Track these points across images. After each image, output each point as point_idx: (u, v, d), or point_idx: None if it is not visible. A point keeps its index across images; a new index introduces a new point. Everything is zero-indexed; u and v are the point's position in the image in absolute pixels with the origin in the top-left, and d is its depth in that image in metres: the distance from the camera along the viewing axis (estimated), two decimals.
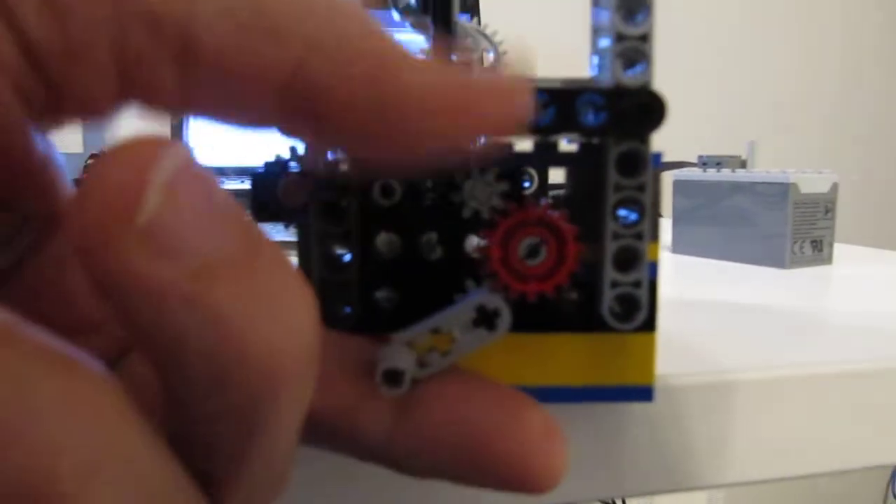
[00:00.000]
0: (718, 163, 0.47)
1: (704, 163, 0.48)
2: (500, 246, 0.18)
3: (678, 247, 0.49)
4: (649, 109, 0.17)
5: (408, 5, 0.25)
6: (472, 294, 0.17)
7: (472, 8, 1.01)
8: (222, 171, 0.91)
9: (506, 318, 0.17)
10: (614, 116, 0.17)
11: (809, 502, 1.38)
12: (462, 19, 0.27)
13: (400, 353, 0.17)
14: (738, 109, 1.35)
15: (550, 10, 1.21)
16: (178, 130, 0.92)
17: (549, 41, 1.19)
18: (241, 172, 0.91)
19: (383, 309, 0.19)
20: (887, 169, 1.46)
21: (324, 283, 0.19)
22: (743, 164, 0.47)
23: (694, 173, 0.48)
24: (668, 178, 0.51)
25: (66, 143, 0.86)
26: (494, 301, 0.17)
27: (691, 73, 1.31)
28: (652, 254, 0.18)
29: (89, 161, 0.60)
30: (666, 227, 0.50)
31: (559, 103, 0.17)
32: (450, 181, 0.18)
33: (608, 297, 0.18)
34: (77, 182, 0.12)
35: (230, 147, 0.93)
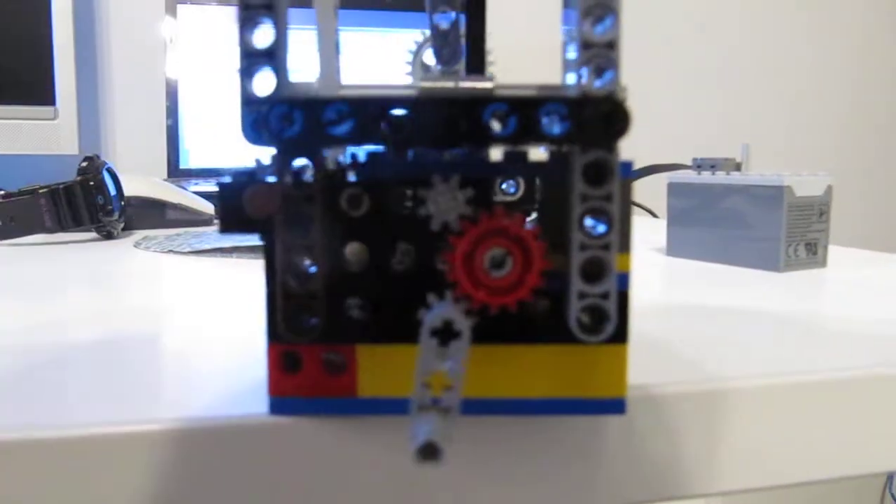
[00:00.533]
0: (713, 165, 0.47)
1: (699, 165, 0.48)
2: (465, 255, 0.17)
3: (673, 249, 0.48)
4: (613, 118, 0.17)
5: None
6: (427, 317, 0.17)
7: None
8: (217, 173, 0.91)
9: (461, 322, 0.17)
10: (578, 126, 0.17)
11: None
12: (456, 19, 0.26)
13: (420, 423, 0.16)
14: (732, 112, 1.34)
15: (547, 12, 1.20)
16: (173, 133, 0.92)
17: (545, 42, 1.18)
18: None
19: (352, 320, 0.19)
20: (882, 171, 1.45)
21: (289, 295, 0.18)
22: (737, 167, 0.47)
23: (689, 175, 0.48)
24: (663, 181, 0.50)
25: (62, 144, 0.86)
26: (442, 315, 0.17)
27: (686, 76, 1.31)
28: (622, 265, 0.18)
29: (84, 164, 0.60)
30: (661, 229, 0.50)
31: (521, 113, 0.17)
32: (415, 192, 0.18)
33: (575, 309, 0.18)
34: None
35: (224, 149, 0.93)
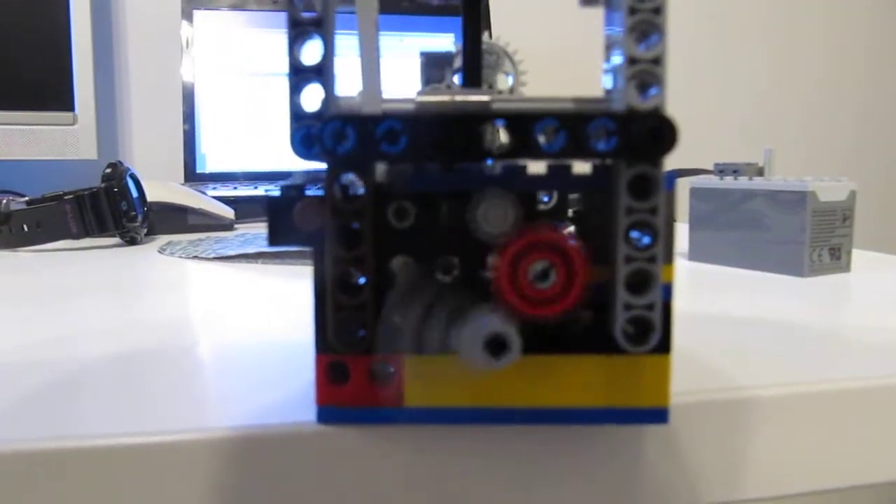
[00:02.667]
0: (735, 170, 0.47)
1: (721, 170, 0.48)
2: (509, 268, 0.18)
3: (695, 255, 0.49)
4: (661, 134, 0.17)
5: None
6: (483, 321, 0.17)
7: (484, 18, 1.01)
8: (233, 177, 0.92)
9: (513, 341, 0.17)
10: (625, 141, 0.17)
11: None
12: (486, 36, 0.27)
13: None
14: (754, 117, 1.34)
15: (558, 19, 1.20)
16: (190, 138, 0.93)
17: (555, 49, 1.18)
18: (251, 178, 0.92)
19: (398, 331, 0.19)
20: None
21: (338, 307, 0.19)
22: (760, 172, 0.47)
23: (711, 181, 0.48)
24: (685, 186, 0.50)
25: (81, 149, 0.87)
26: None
27: (707, 81, 1.31)
28: (666, 276, 0.18)
29: (107, 170, 0.60)
30: (683, 234, 0.50)
31: (570, 129, 0.17)
32: (464, 204, 0.18)
33: (621, 320, 0.18)
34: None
35: (241, 153, 0.94)
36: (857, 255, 0.51)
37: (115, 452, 0.19)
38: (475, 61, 0.22)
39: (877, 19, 1.41)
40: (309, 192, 0.19)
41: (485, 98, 0.20)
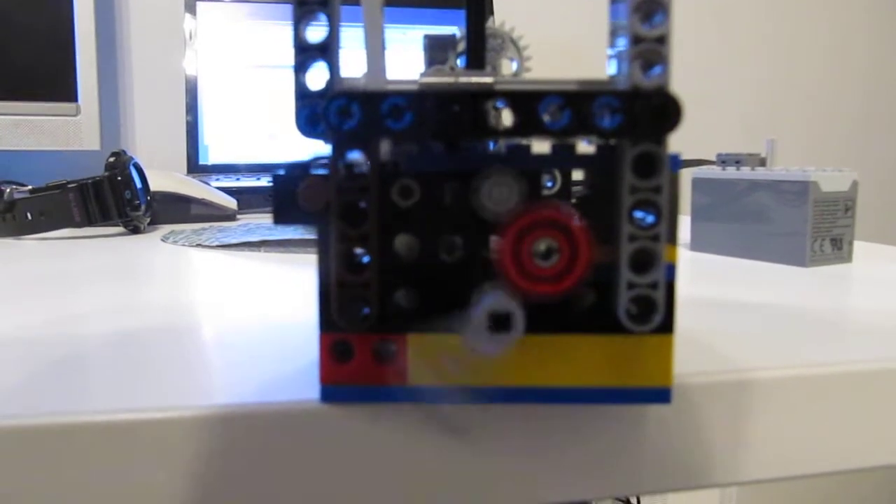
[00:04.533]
0: (738, 161, 0.47)
1: (723, 161, 0.48)
2: (513, 246, 0.18)
3: (697, 245, 0.49)
4: (665, 112, 0.17)
5: None
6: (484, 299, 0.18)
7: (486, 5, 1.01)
8: (235, 169, 0.92)
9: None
10: (630, 119, 0.17)
11: (821, 502, 1.37)
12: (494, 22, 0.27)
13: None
14: (756, 108, 1.34)
15: (561, 6, 1.20)
16: (193, 129, 0.93)
17: (558, 37, 1.18)
18: (254, 170, 0.92)
19: (402, 310, 0.19)
20: None
21: (343, 285, 0.19)
22: (762, 163, 0.47)
23: (713, 171, 0.48)
24: (686, 176, 0.50)
25: (84, 140, 0.87)
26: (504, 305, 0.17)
27: (711, 71, 1.30)
28: (669, 255, 0.18)
29: (111, 159, 0.60)
30: (684, 224, 0.50)
31: (575, 106, 0.17)
32: (468, 183, 0.19)
33: (624, 299, 0.18)
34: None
35: (243, 144, 0.94)
36: (859, 247, 0.51)
37: (119, 428, 0.19)
38: (479, 43, 0.22)
39: (879, 11, 1.40)
40: (314, 171, 0.19)
41: (488, 79, 0.20)
